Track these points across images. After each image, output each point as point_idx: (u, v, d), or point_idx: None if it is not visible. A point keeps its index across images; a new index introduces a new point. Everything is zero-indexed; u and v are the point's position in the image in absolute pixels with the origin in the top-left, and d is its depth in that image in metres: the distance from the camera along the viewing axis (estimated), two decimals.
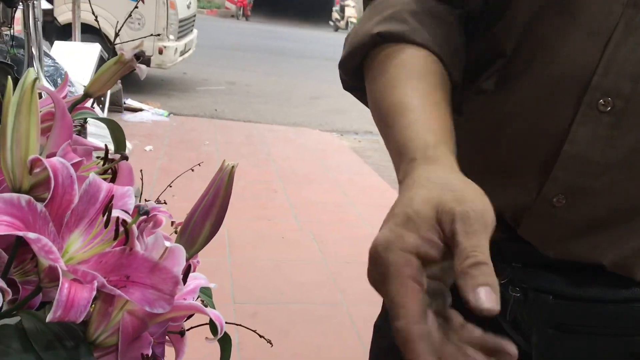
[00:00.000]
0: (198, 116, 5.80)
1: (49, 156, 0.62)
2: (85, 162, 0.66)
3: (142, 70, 0.69)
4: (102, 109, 4.81)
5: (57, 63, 1.35)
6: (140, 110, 5.43)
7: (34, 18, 1.13)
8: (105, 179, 0.64)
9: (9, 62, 1.19)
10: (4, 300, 0.50)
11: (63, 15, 5.69)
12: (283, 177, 4.11)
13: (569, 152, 0.61)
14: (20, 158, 0.50)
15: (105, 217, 0.50)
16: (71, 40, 4.56)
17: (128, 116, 5.28)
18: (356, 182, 4.26)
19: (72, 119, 0.67)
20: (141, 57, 0.69)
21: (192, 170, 1.37)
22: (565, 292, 0.67)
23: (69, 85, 1.33)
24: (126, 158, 0.68)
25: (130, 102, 5.49)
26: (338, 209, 3.66)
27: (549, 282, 0.68)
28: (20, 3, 1.12)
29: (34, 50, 1.16)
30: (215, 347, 0.53)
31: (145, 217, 0.51)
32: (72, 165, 0.55)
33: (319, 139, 5.48)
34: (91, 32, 5.70)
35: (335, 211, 3.60)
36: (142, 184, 0.98)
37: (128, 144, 4.28)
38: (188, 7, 6.76)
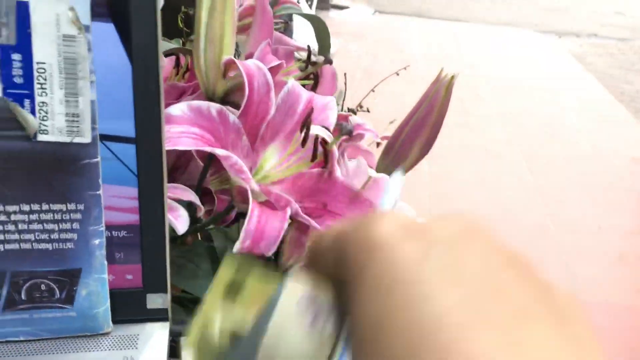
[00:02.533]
0: (404, 14, 5.57)
1: (247, 57, 0.57)
2: (286, 65, 0.59)
3: None
4: (310, 6, 4.85)
5: None
6: (347, 7, 5.37)
7: None
8: (306, 85, 0.57)
9: None
10: (197, 215, 0.46)
11: None
12: (491, 83, 3.81)
13: None
14: (214, 60, 0.44)
15: (303, 133, 0.42)
16: None
17: (334, 13, 5.27)
18: (575, 92, 3.79)
19: (273, 15, 0.60)
20: None
21: (397, 74, 1.26)
22: None
23: None
24: (330, 62, 0.60)
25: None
26: (552, 121, 3.31)
27: None
28: None
29: None
30: None
31: (347, 137, 0.42)
32: (271, 69, 0.48)
33: (534, 40, 4.95)
34: None
35: (549, 124, 3.26)
36: (345, 88, 0.91)
37: (333, 44, 4.29)
38: None
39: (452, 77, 0.55)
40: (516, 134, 3.09)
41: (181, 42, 0.65)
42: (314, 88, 0.57)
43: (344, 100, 0.88)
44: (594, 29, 5.37)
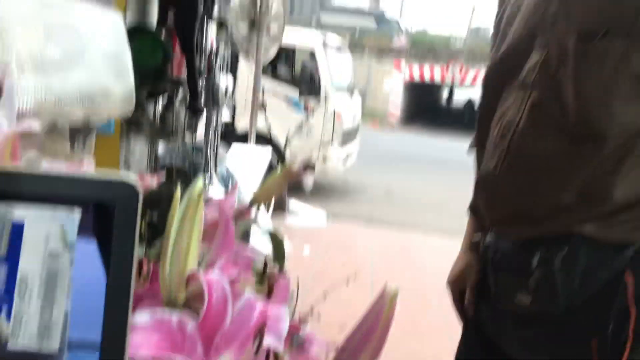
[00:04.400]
0: (356, 221, 5.87)
1: (208, 265, 0.61)
2: (244, 274, 0.63)
3: (308, 183, 0.68)
4: (267, 210, 5.07)
5: (229, 168, 1.42)
6: (302, 213, 5.64)
7: (215, 127, 1.21)
8: (260, 291, 0.61)
9: (189, 166, 1.29)
10: None
11: (241, 125, 6.24)
12: (437, 291, 3.91)
13: None
14: (179, 271, 0.48)
15: (256, 344, 0.45)
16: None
17: (290, 218, 5.51)
18: None
19: (236, 229, 0.66)
20: (308, 169, 0.68)
21: (347, 284, 1.32)
22: None
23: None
24: (284, 274, 0.65)
25: (293, 204, 5.74)
26: None
27: None
28: (205, 111, 1.21)
29: (210, 156, 1.24)
30: None
31: (298, 348, 0.45)
32: (230, 281, 0.53)
33: None
34: (263, 141, 6.20)
35: None
36: (298, 292, 0.95)
37: (287, 246, 4.43)
38: (353, 118, 7.09)
39: (395, 294, 0.60)
40: None
41: (143, 250, 0.70)
42: (268, 296, 0.61)
43: (295, 304, 0.91)
44: None
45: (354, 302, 3.79)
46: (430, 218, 6.43)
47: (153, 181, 0.60)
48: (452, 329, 3.24)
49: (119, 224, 0.37)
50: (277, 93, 6.49)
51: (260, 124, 6.02)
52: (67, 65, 0.76)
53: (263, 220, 0.94)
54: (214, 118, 1.19)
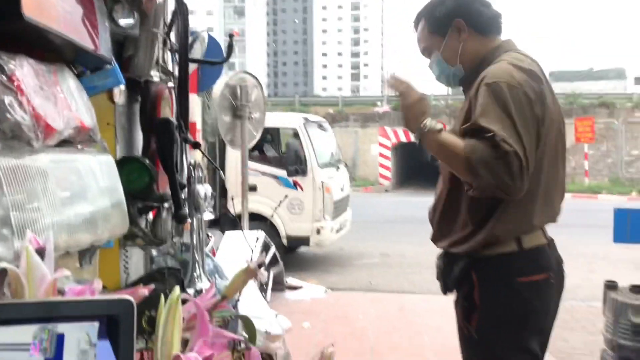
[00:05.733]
0: (354, 290, 6.00)
1: (190, 348, 0.82)
2: (219, 353, 0.84)
3: (263, 275, 0.89)
4: (266, 289, 5.22)
5: (215, 262, 1.64)
6: (300, 288, 5.78)
7: (199, 231, 1.43)
8: None
9: (178, 265, 1.50)
10: None
11: (235, 208, 6.49)
12: (436, 351, 4.02)
13: None
14: (167, 354, 0.68)
15: None
16: (239, 229, 5.18)
17: (289, 294, 5.65)
18: None
19: (212, 319, 0.87)
20: (262, 267, 0.89)
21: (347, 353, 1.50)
22: None
23: (223, 279, 1.58)
24: (254, 349, 0.85)
25: (291, 280, 5.90)
26: None
27: None
28: (188, 219, 1.44)
29: (196, 256, 1.45)
30: None
31: None
32: (206, 357, 0.73)
33: None
34: (258, 220, 6.45)
35: None
36: None
37: (286, 322, 4.56)
38: (342, 189, 7.36)
39: (332, 353, 0.80)
40: None
41: (145, 341, 0.90)
42: None
43: None
44: None
45: None
46: (426, 278, 6.56)
47: (144, 291, 0.80)
48: None
49: (123, 327, 0.58)
50: (265, 174, 6.79)
51: (253, 205, 6.29)
52: (74, 202, 0.99)
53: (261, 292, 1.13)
54: (196, 222, 1.41)
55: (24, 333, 0.55)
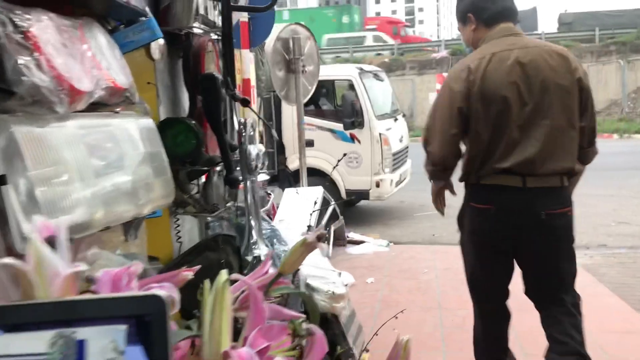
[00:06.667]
0: (416, 243, 5.87)
1: (245, 339, 0.71)
2: (278, 339, 0.73)
3: (324, 249, 0.77)
4: (328, 242, 5.17)
5: (273, 226, 1.54)
6: (362, 242, 5.71)
7: (253, 194, 1.33)
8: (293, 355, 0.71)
9: (234, 231, 1.41)
10: None
11: (293, 164, 6.42)
12: None
13: None
14: (215, 350, 0.59)
15: None
16: (299, 185, 5.12)
17: (351, 249, 5.59)
18: (590, 304, 3.82)
19: (268, 298, 0.77)
20: (323, 239, 0.77)
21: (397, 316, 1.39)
22: None
23: (283, 244, 1.48)
24: (312, 333, 0.75)
25: (352, 235, 5.83)
26: None
27: None
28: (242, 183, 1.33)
29: (252, 221, 1.36)
30: None
31: None
32: (261, 349, 0.63)
33: None
34: (316, 175, 6.36)
35: None
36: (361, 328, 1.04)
37: (350, 278, 4.50)
38: (400, 140, 7.15)
39: (408, 341, 0.68)
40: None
41: (197, 325, 0.81)
42: (300, 358, 0.71)
43: (362, 335, 0.99)
44: (602, 240, 5.58)
45: (425, 323, 3.80)
46: None
47: (187, 274, 0.70)
48: (521, 339, 3.20)
49: (155, 330, 0.48)
50: (322, 128, 6.66)
51: (311, 160, 6.20)
52: (110, 172, 0.89)
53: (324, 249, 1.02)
54: (250, 184, 1.31)
55: (37, 341, 0.45)
